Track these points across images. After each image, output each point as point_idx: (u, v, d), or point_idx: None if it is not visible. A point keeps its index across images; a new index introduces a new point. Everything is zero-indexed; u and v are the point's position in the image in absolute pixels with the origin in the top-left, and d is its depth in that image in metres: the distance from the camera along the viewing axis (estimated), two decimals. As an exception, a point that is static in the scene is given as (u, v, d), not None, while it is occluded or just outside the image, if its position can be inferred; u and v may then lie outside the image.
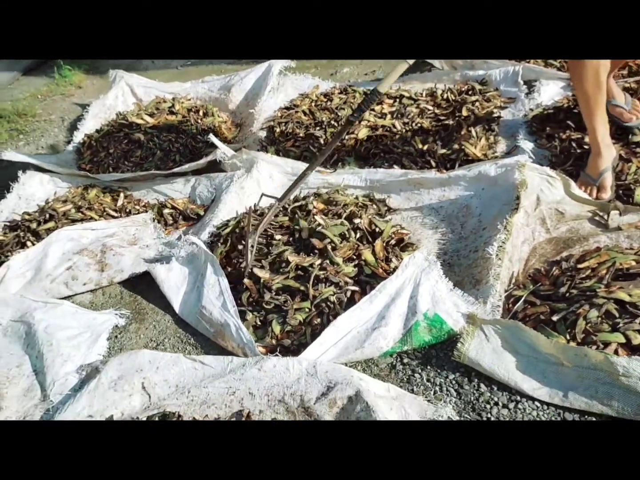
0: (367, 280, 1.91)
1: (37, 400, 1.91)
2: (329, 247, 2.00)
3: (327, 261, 1.97)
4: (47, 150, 3.55)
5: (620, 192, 2.09)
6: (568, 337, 1.60)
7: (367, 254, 1.98)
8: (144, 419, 1.72)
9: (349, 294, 1.90)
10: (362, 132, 2.79)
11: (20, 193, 2.88)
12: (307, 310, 1.90)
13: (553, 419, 1.50)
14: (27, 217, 2.57)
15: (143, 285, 2.28)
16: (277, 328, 1.90)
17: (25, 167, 3.09)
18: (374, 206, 2.31)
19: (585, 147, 2.28)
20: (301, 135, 2.91)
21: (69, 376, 1.92)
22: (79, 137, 3.43)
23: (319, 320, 1.88)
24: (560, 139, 2.39)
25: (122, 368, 1.85)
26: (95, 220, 2.50)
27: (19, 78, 4.73)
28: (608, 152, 2.11)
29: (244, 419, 1.66)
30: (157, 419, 1.69)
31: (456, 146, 2.51)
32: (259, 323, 1.96)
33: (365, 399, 1.55)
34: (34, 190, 2.91)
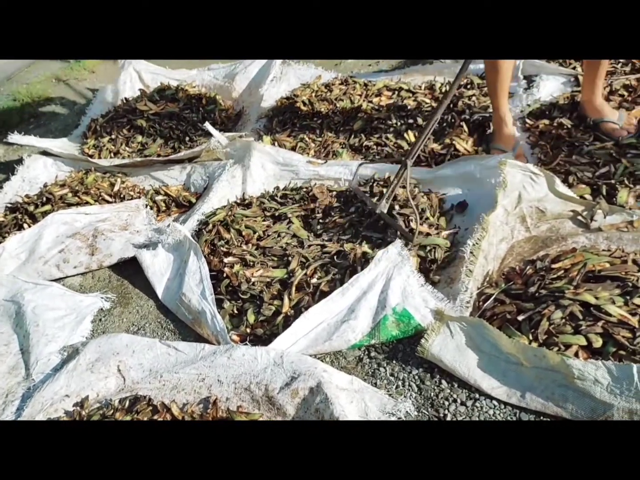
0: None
1: (21, 378, 1.99)
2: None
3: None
4: (56, 133, 3.63)
5: (604, 191, 2.05)
6: (531, 338, 1.60)
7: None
8: (117, 401, 1.78)
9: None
10: (358, 124, 2.80)
11: (24, 175, 2.97)
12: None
13: (509, 418, 1.51)
14: (26, 199, 2.64)
15: (131, 270, 2.34)
16: (251, 317, 1.94)
17: (32, 150, 3.19)
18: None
19: (576, 144, 2.26)
20: (298, 125, 2.92)
21: (52, 356, 1.99)
22: (86, 121, 3.51)
23: (292, 312, 1.91)
24: (551, 136, 2.35)
25: (100, 350, 1.91)
26: (91, 204, 2.56)
27: (35, 61, 4.83)
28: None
29: (210, 405, 1.71)
30: (128, 402, 1.74)
31: (447, 141, 2.50)
32: (235, 312, 2.01)
33: (325, 391, 1.58)
34: (38, 173, 2.99)
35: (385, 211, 2.09)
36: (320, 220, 2.28)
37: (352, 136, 2.76)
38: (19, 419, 1.77)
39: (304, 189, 2.43)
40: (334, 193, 2.40)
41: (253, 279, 2.03)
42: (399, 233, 2.02)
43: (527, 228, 2.02)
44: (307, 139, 2.80)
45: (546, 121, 2.46)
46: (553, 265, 1.79)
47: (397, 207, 2.12)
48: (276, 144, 2.82)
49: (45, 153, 3.11)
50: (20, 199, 2.74)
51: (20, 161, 3.03)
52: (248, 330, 1.94)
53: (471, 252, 1.87)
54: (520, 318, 1.65)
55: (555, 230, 1.99)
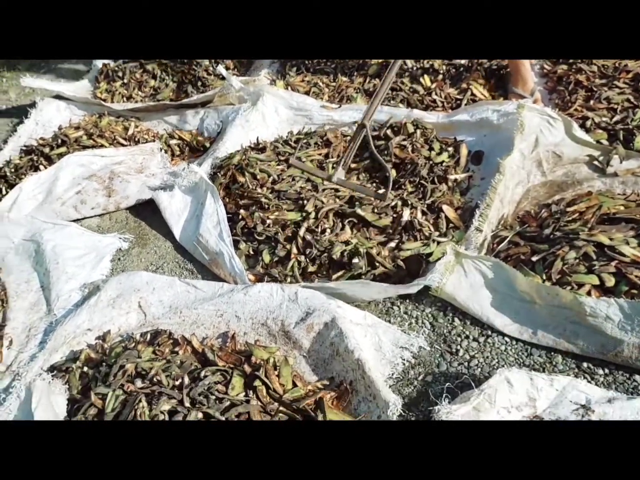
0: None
1: (42, 313, 2.04)
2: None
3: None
4: (67, 77, 3.60)
5: (621, 137, 2.04)
6: (544, 277, 1.62)
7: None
8: (138, 335, 1.84)
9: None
10: (372, 69, 2.76)
11: (38, 119, 2.96)
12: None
13: (520, 354, 1.55)
14: (41, 142, 2.65)
15: (147, 212, 2.37)
16: (267, 258, 1.97)
17: (44, 94, 3.18)
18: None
19: (594, 89, 2.23)
20: (312, 70, 2.89)
21: (73, 293, 2.04)
22: (98, 65, 3.46)
23: (302, 257, 1.94)
24: (569, 81, 2.32)
25: (121, 287, 1.96)
26: (106, 147, 2.57)
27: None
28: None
29: (229, 339, 1.76)
30: (148, 335, 1.80)
31: (464, 85, 2.47)
32: (251, 252, 2.04)
33: (340, 325, 1.62)
34: (51, 117, 2.98)
35: (343, 177, 1.95)
36: (334, 165, 2.28)
37: (367, 80, 2.73)
38: (41, 352, 1.82)
39: (318, 134, 2.43)
40: (348, 138, 2.40)
41: (268, 221, 2.06)
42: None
43: (543, 172, 2.02)
44: (321, 83, 2.78)
45: (564, 67, 2.42)
46: (568, 209, 1.80)
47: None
48: (289, 88, 2.79)
49: (58, 97, 3.10)
50: (35, 142, 2.75)
51: (33, 105, 3.02)
52: (262, 270, 1.97)
53: (487, 195, 1.88)
54: (534, 259, 1.67)
55: (571, 175, 1.99)
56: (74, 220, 2.38)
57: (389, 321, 1.73)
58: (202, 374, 1.58)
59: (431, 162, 2.09)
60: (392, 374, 1.58)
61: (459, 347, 1.60)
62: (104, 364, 1.68)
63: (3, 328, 1.98)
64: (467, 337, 1.62)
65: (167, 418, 1.44)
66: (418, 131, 2.20)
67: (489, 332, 1.62)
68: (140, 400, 1.46)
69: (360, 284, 1.69)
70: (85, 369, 1.72)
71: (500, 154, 2.08)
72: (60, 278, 2.07)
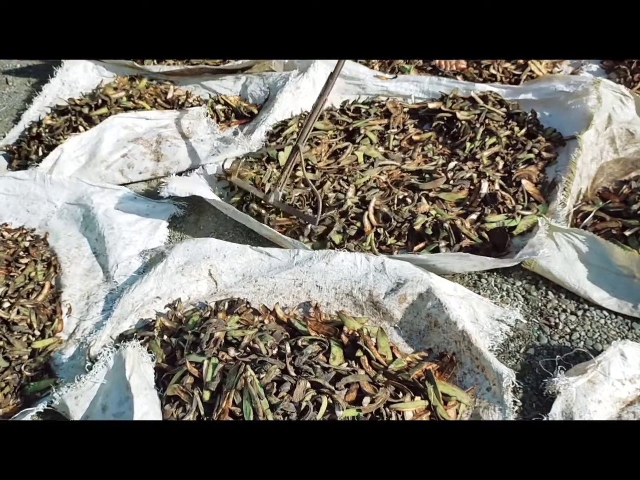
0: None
1: (100, 280, 1.94)
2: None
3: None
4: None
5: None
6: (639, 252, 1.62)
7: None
8: (212, 303, 1.76)
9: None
10: (421, 41, 2.70)
11: (64, 79, 2.80)
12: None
13: (621, 327, 1.55)
14: (77, 101, 2.50)
15: (198, 178, 2.27)
16: (336, 238, 1.89)
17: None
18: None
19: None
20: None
21: (132, 259, 1.94)
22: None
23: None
24: (630, 60, 2.32)
25: (189, 254, 1.87)
26: (148, 110, 2.44)
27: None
28: None
29: (312, 309, 1.70)
30: (226, 304, 1.72)
31: (521, 61, 2.44)
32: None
33: (438, 296, 1.58)
34: (78, 77, 2.82)
35: (279, 199, 1.93)
36: (396, 137, 2.23)
37: (416, 53, 2.66)
38: (108, 320, 1.73)
39: (377, 104, 2.37)
40: (407, 109, 2.35)
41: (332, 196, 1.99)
42: None
43: (616, 150, 2.01)
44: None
45: (623, 46, 2.42)
46: (650, 185, 1.80)
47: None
48: (336, 57, 2.70)
49: (82, 56, 2.93)
50: (64, 102, 2.60)
51: (58, 63, 2.84)
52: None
53: (567, 170, 1.87)
54: (627, 233, 1.66)
55: (645, 153, 1.99)
56: (120, 185, 2.26)
57: (479, 294, 1.70)
58: (300, 342, 1.52)
59: (512, 136, 2.07)
60: (492, 347, 1.55)
61: (557, 320, 1.59)
62: (186, 332, 1.61)
63: (60, 295, 1.87)
64: (564, 310, 1.61)
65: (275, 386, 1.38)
66: (489, 103, 2.17)
67: (586, 306, 1.61)
68: (246, 369, 1.39)
69: (458, 256, 1.65)
70: (165, 337, 1.64)
71: (566, 132, 2.08)
72: (118, 244, 1.96)
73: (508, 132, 2.08)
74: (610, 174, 1.97)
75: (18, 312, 1.76)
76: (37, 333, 1.74)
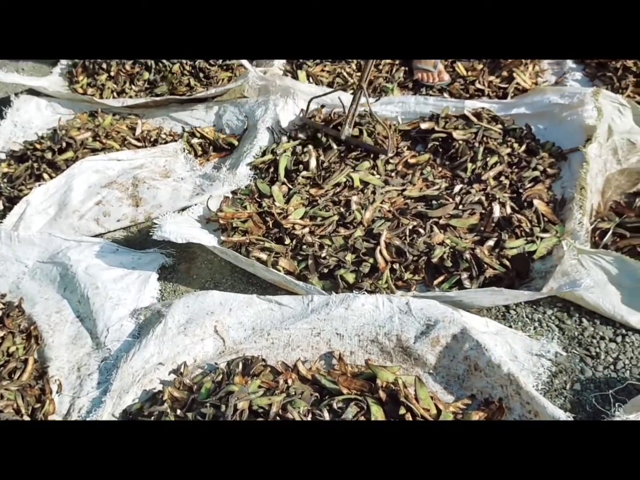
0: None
1: (89, 348, 1.73)
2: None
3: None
4: (29, 72, 3.15)
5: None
6: (669, 270, 1.56)
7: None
8: (223, 364, 1.59)
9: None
10: (398, 57, 2.62)
11: (16, 120, 2.55)
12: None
13: (664, 351, 1.48)
14: (36, 145, 2.27)
15: (182, 220, 2.08)
16: (349, 277, 1.76)
17: (15, 88, 2.76)
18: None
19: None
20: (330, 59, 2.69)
21: (124, 321, 1.74)
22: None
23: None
24: (615, 67, 2.30)
25: (189, 311, 1.69)
26: (118, 150, 2.24)
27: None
28: None
29: (335, 361, 1.56)
30: (239, 364, 1.56)
31: (505, 73, 2.38)
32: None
33: (474, 337, 1.47)
34: (31, 117, 2.58)
35: (350, 135, 2.15)
36: (390, 161, 2.12)
37: (395, 69, 2.57)
38: (107, 395, 1.54)
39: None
40: (397, 131, 2.25)
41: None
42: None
43: (619, 161, 1.97)
44: (344, 72, 2.59)
45: (604, 52, 2.40)
46: (664, 196, 1.76)
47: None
48: (311, 79, 2.58)
49: (33, 92, 2.69)
50: (18, 145, 2.37)
51: (7, 102, 2.59)
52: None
53: (577, 185, 1.81)
54: (653, 250, 1.61)
55: (648, 162, 1.96)
56: (95, 236, 2.05)
57: (510, 327, 1.60)
58: (335, 405, 1.38)
59: (513, 153, 2.00)
60: (537, 385, 1.45)
61: (597, 349, 1.51)
62: (202, 403, 1.43)
63: (46, 370, 1.65)
64: (602, 338, 1.53)
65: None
66: (484, 121, 2.09)
67: (624, 331, 1.54)
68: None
69: (490, 291, 1.55)
70: (178, 411, 1.45)
71: (564, 145, 2.03)
72: (105, 305, 1.76)
73: (508, 150, 2.01)
74: (618, 187, 1.93)
75: (1, 397, 1.54)
76: (27, 419, 1.53)
